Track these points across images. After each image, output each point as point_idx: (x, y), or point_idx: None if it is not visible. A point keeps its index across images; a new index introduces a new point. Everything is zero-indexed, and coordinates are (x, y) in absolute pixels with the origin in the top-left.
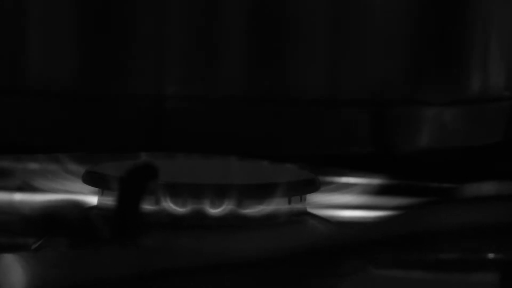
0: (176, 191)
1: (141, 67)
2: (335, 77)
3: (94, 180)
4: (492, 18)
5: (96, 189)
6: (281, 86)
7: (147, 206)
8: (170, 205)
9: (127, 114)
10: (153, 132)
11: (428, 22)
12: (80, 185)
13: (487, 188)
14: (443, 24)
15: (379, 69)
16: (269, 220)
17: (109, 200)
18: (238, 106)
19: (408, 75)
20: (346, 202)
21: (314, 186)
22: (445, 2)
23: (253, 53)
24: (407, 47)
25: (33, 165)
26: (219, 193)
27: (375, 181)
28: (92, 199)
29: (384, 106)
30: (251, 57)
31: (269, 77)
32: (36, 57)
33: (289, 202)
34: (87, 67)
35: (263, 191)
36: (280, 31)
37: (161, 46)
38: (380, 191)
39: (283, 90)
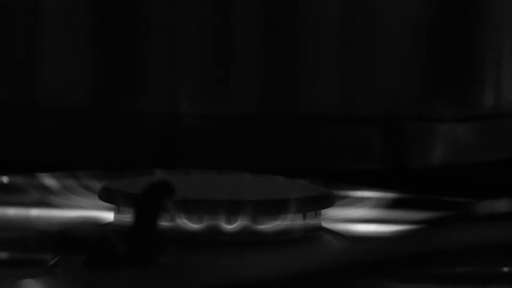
0: (191, 208)
1: (155, 85)
2: (348, 93)
3: (110, 196)
4: (504, 34)
5: (112, 205)
6: (294, 103)
7: (163, 223)
8: (185, 222)
9: (141, 132)
10: (167, 149)
11: (440, 38)
12: (96, 201)
13: (500, 204)
14: (455, 40)
15: (392, 85)
16: (284, 235)
17: (126, 217)
18: (251, 123)
19: (421, 91)
20: (361, 216)
21: (328, 201)
22: (457, 18)
23: (266, 70)
24: (419, 63)
25: (50, 182)
26: (234, 209)
27: (389, 196)
28: (109, 216)
29: (397, 122)
30: (264, 74)
31: (282, 93)
32: (52, 76)
33: (304, 218)
34: (102, 85)
35: (277, 207)
36: (292, 48)
37: (175, 64)
38: (393, 205)
39: (296, 106)
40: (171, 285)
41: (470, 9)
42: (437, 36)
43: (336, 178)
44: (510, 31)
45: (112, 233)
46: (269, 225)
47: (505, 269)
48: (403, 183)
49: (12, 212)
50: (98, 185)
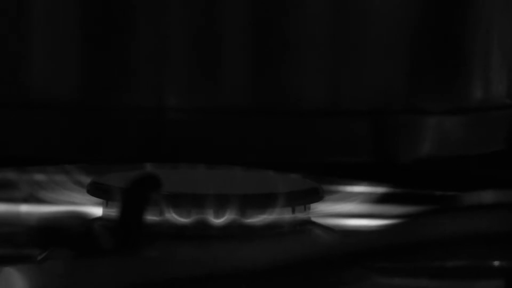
0: (179, 202)
1: (143, 79)
2: (337, 87)
3: (98, 191)
4: (493, 26)
5: (100, 200)
6: (282, 97)
7: (151, 217)
8: (173, 216)
9: (130, 126)
10: (155, 143)
11: (429, 31)
12: (84, 196)
13: (488, 196)
14: (444, 33)
15: (381, 78)
16: (273, 229)
17: (114, 211)
18: (240, 117)
19: (410, 84)
20: (349, 211)
21: (317, 196)
22: (446, 11)
23: (254, 64)
24: (408, 56)
25: (38, 177)
26: (222, 203)
27: (378, 190)
28: (97, 210)
29: (385, 115)
30: (252, 68)
31: (270, 87)
32: (40, 71)
33: (293, 212)
34: (90, 80)
35: (266, 201)
36: (280, 42)
37: (162, 58)
38: (382, 199)
39: (284, 100)
40: (158, 278)
41: (459, 3)
42: (425, 29)
43: (325, 172)
44: (498, 24)
45: (100, 227)
46: (257, 219)
47: (494, 262)
48: (392, 177)
49: (1, 207)
50: (86, 179)
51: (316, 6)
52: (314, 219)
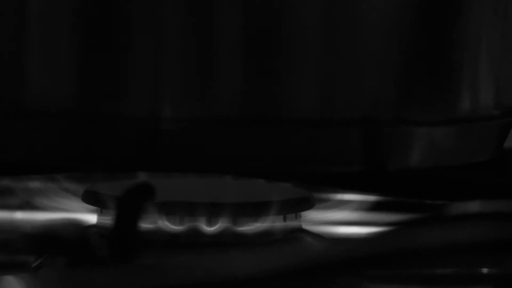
0: (172, 210)
1: (138, 88)
2: (328, 97)
3: (93, 199)
4: (481, 38)
5: (95, 208)
6: (274, 106)
7: (144, 225)
8: (166, 224)
9: (124, 135)
10: (149, 152)
11: (418, 42)
12: (79, 204)
13: (476, 205)
14: (433, 44)
15: (371, 88)
16: (265, 237)
17: (108, 219)
18: (233, 126)
19: (400, 94)
20: (340, 218)
21: (308, 204)
22: (434, 23)
23: (247, 74)
24: (398, 67)
25: (34, 184)
26: (215, 211)
27: (368, 198)
28: (91, 218)
29: (376, 125)
30: (245, 78)
31: (262, 97)
32: (35, 78)
33: (284, 220)
34: (85, 89)
35: (258, 209)
36: (273, 52)
37: (158, 68)
38: (373, 207)
39: (276, 110)
40: (152, 286)
41: (448, 15)
42: (415, 41)
43: (316, 181)
44: (486, 35)
45: (94, 234)
46: (249, 227)
47: (482, 269)
48: (382, 186)
49: None
50: (81, 187)
51: (309, 18)
52: (305, 227)
